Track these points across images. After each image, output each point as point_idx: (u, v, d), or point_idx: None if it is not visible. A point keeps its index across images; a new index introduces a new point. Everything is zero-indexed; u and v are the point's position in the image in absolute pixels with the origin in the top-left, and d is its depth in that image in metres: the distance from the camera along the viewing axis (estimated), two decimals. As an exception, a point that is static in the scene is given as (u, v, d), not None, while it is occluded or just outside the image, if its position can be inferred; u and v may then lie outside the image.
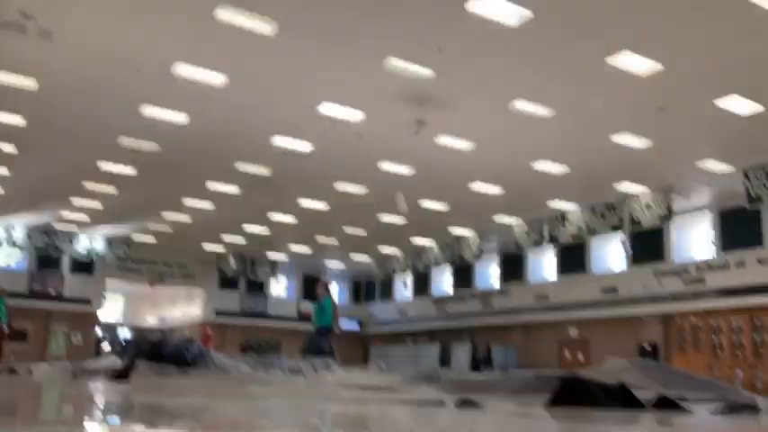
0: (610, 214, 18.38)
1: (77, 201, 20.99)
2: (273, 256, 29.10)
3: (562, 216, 19.61)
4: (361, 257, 28.42)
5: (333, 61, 11.18)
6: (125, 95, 12.87)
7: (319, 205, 20.38)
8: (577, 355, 22.77)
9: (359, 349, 33.74)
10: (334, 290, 33.56)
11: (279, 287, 32.66)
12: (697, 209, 19.18)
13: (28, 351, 26.76)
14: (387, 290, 32.49)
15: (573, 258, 22.73)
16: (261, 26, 10.05)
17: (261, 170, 17.16)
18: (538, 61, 10.89)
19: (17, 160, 16.92)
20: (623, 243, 19.15)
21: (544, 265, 24.62)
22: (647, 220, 17.44)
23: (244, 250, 27.89)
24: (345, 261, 29.92)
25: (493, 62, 10.98)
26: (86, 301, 28.27)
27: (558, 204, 19.21)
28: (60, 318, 27.75)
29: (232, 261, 27.97)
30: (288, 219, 22.19)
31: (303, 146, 15.30)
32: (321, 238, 25.18)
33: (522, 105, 12.59)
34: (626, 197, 17.82)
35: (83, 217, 23.16)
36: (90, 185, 19.14)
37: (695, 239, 19.97)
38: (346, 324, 33.49)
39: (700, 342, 19.16)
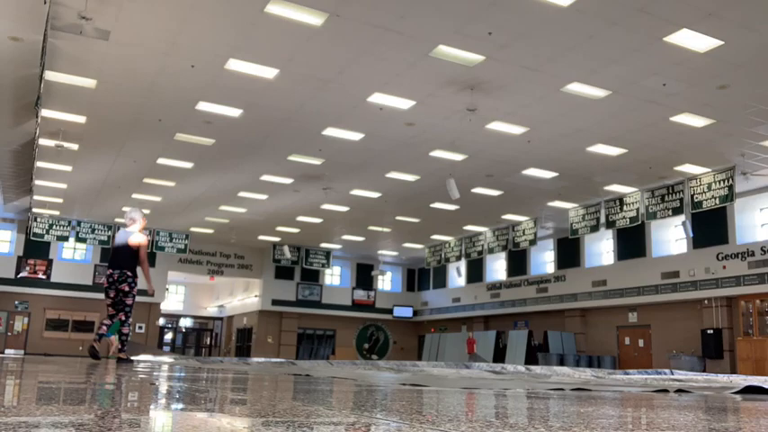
0: (669, 197, 17.88)
1: (138, 195, 21.62)
2: (327, 245, 29.40)
3: (620, 200, 19.18)
4: (414, 245, 28.45)
5: (382, 50, 11.16)
6: (180, 92, 13.16)
7: (372, 194, 20.47)
8: (638, 341, 22.34)
9: (413, 337, 33.92)
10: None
11: (333, 276, 33.03)
12: (761, 189, 18.50)
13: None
14: (440, 277, 32.48)
15: (632, 242, 22.25)
16: (309, 18, 10.11)
17: (313, 161, 17.32)
18: (592, 41, 10.63)
19: (79, 157, 17.53)
20: (684, 226, 18.60)
21: (601, 249, 24.20)
22: (709, 201, 16.89)
23: (298, 240, 28.27)
24: (398, 249, 30.00)
25: (545, 44, 10.77)
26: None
27: (615, 188, 18.79)
28: (124, 309, 28.74)
29: (287, 251, 28.38)
30: (341, 208, 22.37)
31: (354, 136, 15.37)
32: (374, 227, 25.29)
33: (575, 87, 12.33)
34: (686, 178, 17.29)
35: (144, 211, 23.81)
36: (149, 180, 19.70)
37: (759, 220, 19.27)
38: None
39: (766, 326, 18.57)
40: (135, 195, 21.65)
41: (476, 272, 29.81)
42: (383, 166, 17.67)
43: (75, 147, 16.54)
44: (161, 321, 32.36)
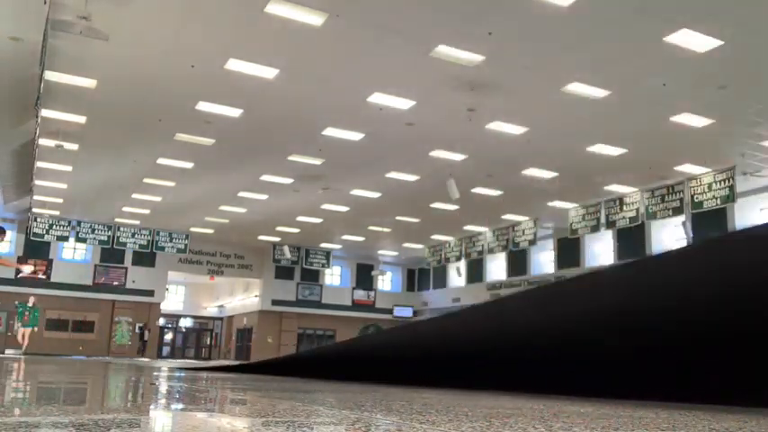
0: (669, 197, 17.88)
1: (138, 195, 21.62)
2: (327, 245, 29.39)
3: (620, 200, 19.18)
4: (414, 245, 28.44)
5: (382, 50, 11.16)
6: (180, 92, 13.15)
7: (372, 194, 20.46)
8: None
9: (414, 337, 33.88)
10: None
11: (333, 276, 33.01)
12: (761, 189, 18.49)
13: (95, 341, 27.86)
14: (440, 277, 32.47)
15: (632, 242, 22.22)
16: (310, 18, 10.11)
17: (313, 161, 17.31)
18: (592, 42, 10.63)
19: (79, 157, 17.53)
20: (684, 226, 18.59)
21: (602, 249, 24.18)
22: (709, 201, 16.89)
23: (298, 240, 28.26)
24: (398, 249, 29.99)
25: (545, 44, 10.77)
26: (149, 293, 29.20)
27: (616, 188, 18.79)
28: (124, 309, 28.74)
29: (287, 251, 28.37)
30: (341, 208, 22.36)
31: (354, 136, 15.36)
32: (374, 227, 25.28)
33: (576, 87, 12.32)
34: (686, 179, 17.29)
35: (144, 211, 23.85)
36: (149, 180, 19.70)
37: (759, 220, 19.26)
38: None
39: (767, 327, 18.58)
40: (135, 195, 21.64)
41: (476, 272, 29.80)
42: (383, 166, 17.66)
43: (75, 147, 16.53)
44: (161, 321, 32.34)
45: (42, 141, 15.46)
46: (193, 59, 11.68)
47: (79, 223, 25.60)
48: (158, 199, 21.92)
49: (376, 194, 20.43)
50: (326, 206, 22.12)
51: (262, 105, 13.70)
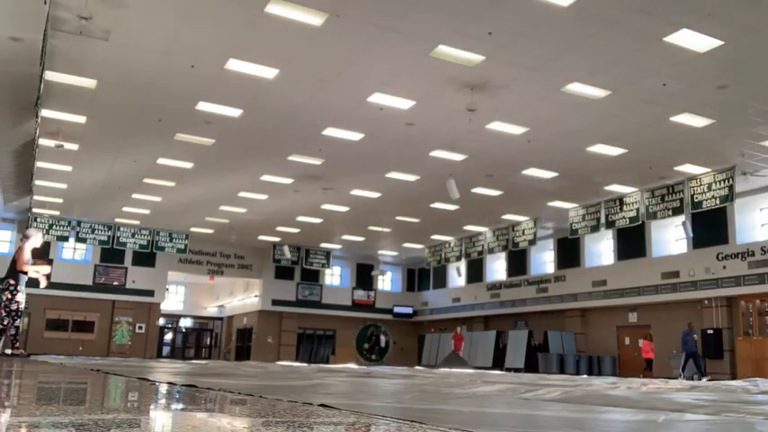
0: (669, 197, 17.88)
1: (138, 195, 21.61)
2: (327, 245, 29.39)
3: (620, 200, 19.18)
4: (414, 245, 28.44)
5: (382, 50, 11.15)
6: (180, 92, 13.15)
7: (372, 194, 20.46)
8: (638, 341, 22.32)
9: (413, 337, 33.91)
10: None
11: (333, 276, 33.01)
12: (761, 189, 18.50)
13: (95, 341, 27.86)
14: (440, 277, 32.47)
15: (632, 242, 22.24)
16: (309, 18, 10.11)
17: (313, 161, 17.31)
18: (592, 41, 10.63)
19: (79, 157, 17.52)
20: (684, 226, 18.60)
21: (601, 249, 24.19)
22: (709, 201, 16.89)
23: (298, 240, 28.26)
24: (398, 249, 29.99)
25: (545, 44, 10.77)
26: (149, 293, 29.20)
27: (615, 188, 18.78)
28: (124, 309, 28.74)
29: (287, 251, 28.37)
30: (341, 208, 22.35)
31: (354, 136, 15.36)
32: (374, 227, 25.28)
33: (576, 87, 12.32)
34: (686, 179, 17.29)
35: (144, 211, 23.85)
36: (149, 180, 19.70)
37: (759, 220, 19.27)
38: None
39: (766, 326, 18.57)
40: (135, 195, 21.64)
41: (476, 272, 29.80)
42: (383, 166, 17.66)
43: (75, 147, 16.53)
44: (161, 321, 32.34)
45: (42, 141, 15.46)
46: (193, 59, 11.68)
47: (79, 223, 25.59)
48: (158, 199, 21.92)
49: (376, 194, 20.43)
50: (326, 206, 22.11)
51: (262, 105, 13.69)
